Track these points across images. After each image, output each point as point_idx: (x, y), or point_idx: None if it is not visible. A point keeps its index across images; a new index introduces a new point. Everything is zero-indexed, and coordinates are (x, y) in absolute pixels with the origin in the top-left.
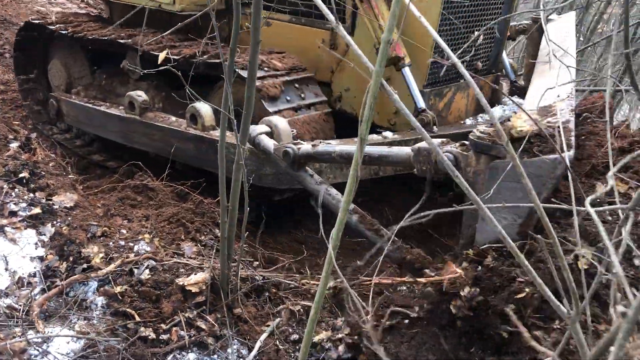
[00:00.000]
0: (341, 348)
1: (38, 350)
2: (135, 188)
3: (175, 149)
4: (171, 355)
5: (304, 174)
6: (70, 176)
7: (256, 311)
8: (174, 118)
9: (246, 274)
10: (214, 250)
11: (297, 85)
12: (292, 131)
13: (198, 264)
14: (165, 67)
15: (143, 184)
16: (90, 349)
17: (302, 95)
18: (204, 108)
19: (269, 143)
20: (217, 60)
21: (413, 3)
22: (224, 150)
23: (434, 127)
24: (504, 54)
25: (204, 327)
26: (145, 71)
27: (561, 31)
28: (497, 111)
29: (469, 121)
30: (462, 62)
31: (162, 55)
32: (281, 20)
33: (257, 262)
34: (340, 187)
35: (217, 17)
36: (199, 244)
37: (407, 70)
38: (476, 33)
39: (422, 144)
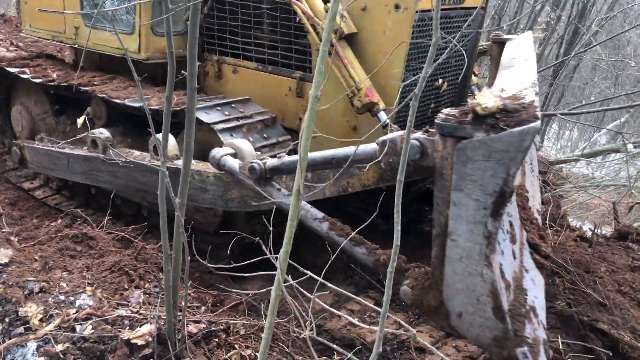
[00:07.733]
0: None
1: None
2: (75, 237)
3: (140, 184)
4: None
5: (272, 189)
6: (4, 230)
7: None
8: (137, 152)
9: (193, 320)
10: (159, 299)
11: (259, 126)
12: (257, 153)
13: (142, 316)
14: None
15: (82, 232)
16: None
17: (265, 135)
18: None
19: (234, 163)
20: (177, 108)
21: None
22: (164, 198)
23: None
24: (473, 79)
25: None
26: None
27: (520, 47)
28: None
29: None
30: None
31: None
32: (248, 67)
33: (205, 307)
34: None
35: (182, 64)
36: (143, 293)
37: (382, 114)
38: (440, 81)
39: (387, 136)
